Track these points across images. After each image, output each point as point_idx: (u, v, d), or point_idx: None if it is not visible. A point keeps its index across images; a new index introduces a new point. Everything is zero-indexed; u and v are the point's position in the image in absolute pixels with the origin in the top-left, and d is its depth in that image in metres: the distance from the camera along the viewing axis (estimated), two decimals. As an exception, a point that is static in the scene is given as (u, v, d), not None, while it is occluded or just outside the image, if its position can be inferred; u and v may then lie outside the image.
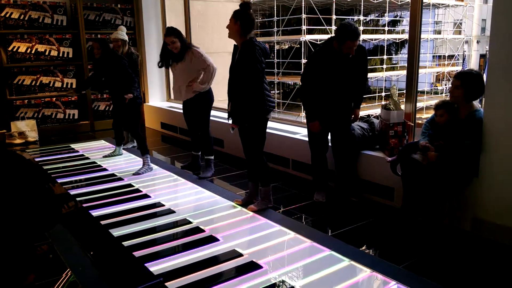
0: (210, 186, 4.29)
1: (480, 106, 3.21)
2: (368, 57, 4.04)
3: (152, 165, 4.89)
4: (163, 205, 3.79)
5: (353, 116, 3.82)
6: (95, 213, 3.63)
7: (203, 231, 3.25)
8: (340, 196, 3.91)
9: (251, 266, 2.71)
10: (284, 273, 2.62)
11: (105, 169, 4.95)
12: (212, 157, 4.63)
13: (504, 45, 2.86)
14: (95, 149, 5.96)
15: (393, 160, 3.52)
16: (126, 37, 5.62)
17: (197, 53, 4.39)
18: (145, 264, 2.75)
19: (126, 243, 3.05)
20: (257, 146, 3.52)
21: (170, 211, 3.65)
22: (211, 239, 3.10)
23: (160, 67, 4.64)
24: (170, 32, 4.36)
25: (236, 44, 3.46)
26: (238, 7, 3.37)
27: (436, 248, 3.00)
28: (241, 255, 2.86)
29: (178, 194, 4.15)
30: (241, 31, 3.32)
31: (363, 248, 3.02)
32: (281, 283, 2.52)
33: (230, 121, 3.58)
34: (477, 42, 20.40)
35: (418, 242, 3.09)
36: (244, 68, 3.30)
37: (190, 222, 3.41)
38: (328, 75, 3.60)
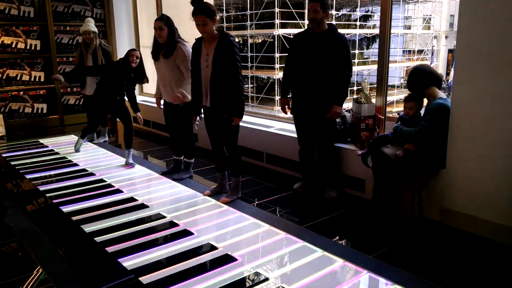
0: (184, 180, 4.27)
1: (447, 96, 3.32)
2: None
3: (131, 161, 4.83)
4: (136, 200, 3.75)
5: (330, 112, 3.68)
6: (66, 209, 3.56)
7: (177, 225, 3.24)
8: (316, 189, 3.96)
9: (226, 259, 2.72)
10: (259, 265, 2.65)
11: (75, 164, 4.86)
12: (192, 161, 4.39)
13: (470, 40, 2.96)
14: (64, 144, 5.83)
15: (364, 153, 3.59)
16: (96, 29, 5.51)
17: (181, 52, 3.97)
18: (118, 260, 2.72)
19: (98, 239, 3.01)
20: (235, 137, 3.60)
21: (143, 206, 3.62)
22: (186, 233, 3.09)
23: (153, 58, 4.17)
24: (160, 17, 4.03)
25: (199, 38, 3.49)
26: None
27: (405, 237, 3.09)
28: (216, 248, 2.86)
29: (151, 188, 4.11)
30: (215, 25, 3.39)
31: (336, 239, 3.08)
32: (255, 275, 2.55)
33: (198, 118, 3.71)
34: (446, 37, 20.91)
35: (388, 232, 3.17)
36: (228, 61, 3.36)
37: (164, 217, 3.39)
38: (299, 54, 3.74)
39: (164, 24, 3.94)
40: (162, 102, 4.35)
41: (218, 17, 3.40)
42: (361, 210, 3.57)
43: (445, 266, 2.70)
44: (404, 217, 3.38)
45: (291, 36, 16.67)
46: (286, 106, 3.99)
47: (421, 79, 3.26)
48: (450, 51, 20.85)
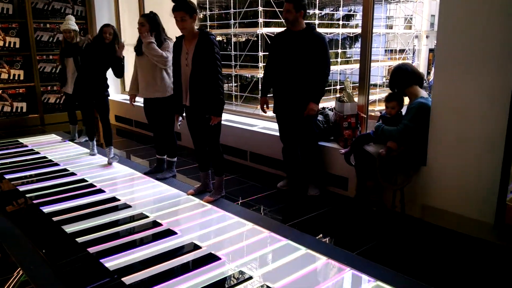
0: (167, 179, 4.24)
1: (428, 95, 3.37)
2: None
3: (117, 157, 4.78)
4: (119, 200, 3.72)
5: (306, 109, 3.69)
6: (47, 209, 3.51)
7: (160, 225, 3.22)
8: (299, 187, 3.98)
9: (210, 258, 2.72)
10: (243, 264, 2.65)
11: (56, 164, 4.78)
12: (175, 159, 4.36)
13: (450, 40, 3.01)
14: (45, 144, 5.73)
15: (347, 151, 3.62)
16: (77, 27, 5.43)
17: (165, 47, 4.00)
18: (100, 260, 2.69)
19: (80, 240, 2.97)
20: (217, 136, 3.58)
21: (126, 206, 3.59)
22: (169, 233, 3.07)
23: (136, 52, 4.14)
24: (144, 14, 4.06)
25: (180, 36, 3.47)
26: None
27: (387, 235, 3.13)
28: (199, 247, 2.86)
29: (134, 188, 4.08)
30: (193, 22, 3.36)
31: (319, 236, 3.10)
32: (239, 274, 2.55)
33: (181, 118, 3.68)
34: (427, 37, 21.22)
35: (371, 229, 3.21)
36: (207, 60, 3.32)
37: (146, 216, 3.37)
38: (278, 53, 3.77)
39: (146, 20, 3.94)
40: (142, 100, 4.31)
41: (198, 15, 3.37)
42: (344, 208, 3.60)
43: (426, 263, 2.75)
44: (386, 214, 3.42)
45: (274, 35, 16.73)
46: (265, 106, 4.03)
47: (403, 78, 3.30)
48: (431, 50, 21.17)
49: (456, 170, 3.08)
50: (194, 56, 3.35)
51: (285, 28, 3.79)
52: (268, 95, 4.00)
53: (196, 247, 2.86)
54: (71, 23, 5.33)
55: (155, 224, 3.23)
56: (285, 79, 3.72)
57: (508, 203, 2.74)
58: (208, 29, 3.50)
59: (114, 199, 3.75)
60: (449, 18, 3.00)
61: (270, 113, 4.16)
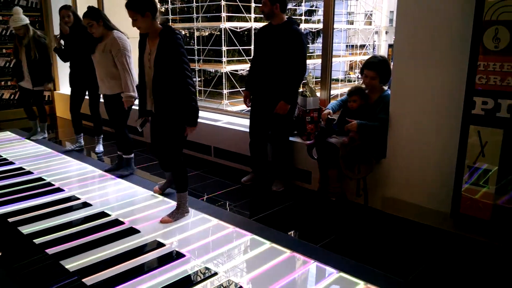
0: (128, 176, 4.15)
1: (388, 88, 3.46)
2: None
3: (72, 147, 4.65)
4: (79, 199, 3.61)
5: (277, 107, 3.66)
6: (2, 210, 3.35)
7: (122, 223, 3.15)
8: (264, 182, 4.00)
9: (174, 256, 2.68)
10: (208, 260, 2.64)
11: (12, 163, 4.58)
12: (132, 156, 4.23)
13: (408, 36, 3.09)
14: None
15: (310, 144, 3.65)
16: (27, 20, 5.16)
17: (116, 45, 3.84)
18: (60, 262, 2.60)
19: (37, 241, 2.86)
20: (178, 147, 3.19)
21: (86, 205, 3.48)
22: (131, 231, 3.01)
23: (88, 51, 4.07)
24: (85, 13, 3.90)
25: (144, 33, 3.13)
26: None
27: (349, 226, 3.20)
28: (163, 245, 2.82)
29: (94, 186, 3.96)
30: (152, 20, 3.00)
31: (283, 230, 3.13)
32: (204, 270, 2.53)
33: (140, 121, 3.30)
34: (386, 32, 21.78)
35: (334, 221, 3.27)
36: (171, 63, 2.96)
37: (108, 215, 3.28)
38: (259, 47, 3.80)
39: (90, 19, 3.86)
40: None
41: (154, 13, 2.97)
42: (308, 201, 3.65)
43: (387, 252, 2.83)
44: (348, 206, 3.49)
45: (238, 30, 16.69)
46: (248, 99, 4.00)
47: (389, 71, 3.36)
48: (390, 46, 21.74)
49: (414, 162, 3.18)
50: (156, 58, 2.99)
51: (268, 22, 3.77)
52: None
53: (159, 245, 2.82)
54: (19, 17, 5.06)
55: (117, 222, 3.16)
56: (262, 74, 3.73)
57: (463, 193, 2.86)
58: (170, 24, 3.28)
59: (73, 198, 3.63)
60: (406, 14, 3.08)
61: (238, 108, 4.13)
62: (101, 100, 4.26)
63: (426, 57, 3.00)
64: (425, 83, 3.04)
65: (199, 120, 4.51)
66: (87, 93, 4.88)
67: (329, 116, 3.41)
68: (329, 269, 2.55)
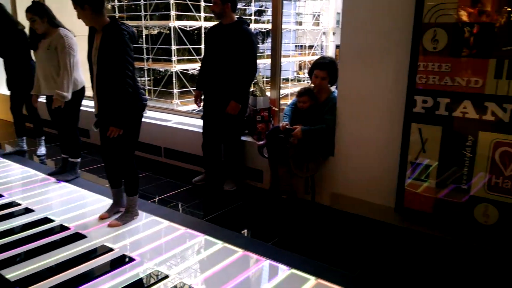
0: (74, 180, 3.99)
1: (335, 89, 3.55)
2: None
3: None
4: (19, 204, 3.42)
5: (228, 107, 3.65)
6: None
7: (67, 228, 3.02)
8: (216, 182, 3.98)
9: (123, 260, 2.61)
10: (159, 263, 2.59)
11: None
12: (79, 160, 4.06)
13: (353, 37, 3.19)
14: None
15: (262, 144, 3.67)
16: None
17: (62, 42, 3.65)
18: (0, 272, 2.45)
19: (-26, 251, 2.69)
20: (129, 150, 3.05)
21: (28, 210, 3.31)
22: (78, 237, 2.90)
23: (31, 47, 3.87)
24: (28, 8, 3.69)
25: (93, 27, 2.96)
26: None
27: (300, 223, 3.26)
28: (111, 249, 2.73)
29: (37, 191, 3.77)
30: (95, 13, 2.84)
31: (236, 230, 3.13)
32: (155, 273, 2.48)
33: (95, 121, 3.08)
34: (333, 33, 22.35)
35: (285, 219, 3.32)
36: (113, 58, 2.79)
37: (52, 221, 3.14)
38: (209, 46, 3.77)
39: (32, 14, 3.67)
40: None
41: (95, 7, 2.82)
42: (259, 200, 3.67)
43: (336, 247, 2.91)
44: (299, 203, 3.56)
45: (188, 29, 16.50)
46: (199, 99, 3.95)
47: (337, 72, 3.41)
48: (337, 46, 22.33)
49: (360, 159, 3.29)
50: (98, 53, 2.85)
51: (219, 21, 3.74)
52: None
53: (108, 249, 2.73)
54: None
55: (62, 228, 3.03)
56: (213, 74, 3.70)
57: (407, 188, 3.00)
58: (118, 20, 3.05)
59: (14, 203, 3.44)
60: (351, 16, 3.18)
61: (189, 108, 4.09)
62: (42, 100, 4.05)
63: (371, 58, 3.11)
64: (370, 83, 3.14)
65: (148, 120, 4.41)
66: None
67: (287, 127, 3.42)
68: (281, 266, 2.58)
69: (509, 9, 2.47)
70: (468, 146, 2.71)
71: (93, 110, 3.14)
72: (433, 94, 2.78)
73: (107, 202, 3.48)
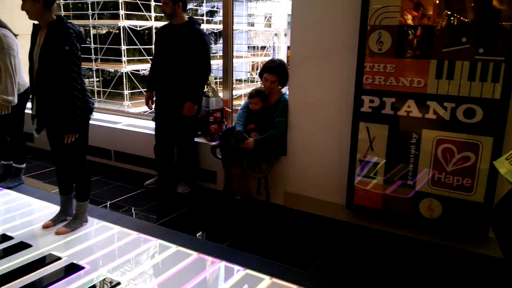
0: (17, 186, 3.79)
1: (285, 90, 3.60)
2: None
3: None
4: (-44, 214, 3.21)
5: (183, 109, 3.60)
6: None
7: (11, 238, 2.86)
8: (169, 185, 3.92)
9: (72, 268, 2.51)
10: (110, 270, 2.51)
11: None
12: (23, 166, 3.85)
13: (302, 39, 3.24)
14: None
15: (216, 145, 3.65)
16: None
17: (0, 39, 3.43)
18: None
19: None
20: (81, 153, 2.93)
21: (-34, 221, 3.11)
22: (22, 246, 2.75)
23: None
24: None
25: (37, 24, 2.81)
26: None
27: (254, 223, 3.27)
28: (59, 258, 2.62)
29: (-24, 199, 3.55)
30: (45, 8, 2.69)
31: (190, 232, 3.09)
32: (107, 281, 2.41)
33: (35, 126, 2.89)
34: (285, 35, 22.64)
35: (239, 220, 3.32)
36: (56, 58, 2.65)
37: (-7, 230, 2.97)
38: (159, 47, 3.72)
39: None
40: None
41: (46, 1, 2.68)
42: (213, 201, 3.65)
43: (290, 246, 2.94)
44: (253, 204, 3.57)
45: (138, 28, 16.14)
46: (150, 101, 3.87)
47: (287, 75, 3.44)
48: (289, 47, 22.62)
49: (312, 158, 3.35)
50: (41, 51, 2.70)
51: (169, 21, 3.68)
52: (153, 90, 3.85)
53: (55, 258, 2.62)
54: None
55: (4, 238, 2.86)
56: (165, 75, 3.63)
57: (356, 186, 3.09)
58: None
59: (-51, 214, 3.22)
60: (300, 18, 3.23)
61: (140, 109, 4.00)
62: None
63: (320, 60, 3.17)
64: (319, 84, 3.21)
65: (97, 123, 4.27)
66: None
67: (241, 135, 3.40)
68: (236, 267, 2.58)
69: (449, 12, 2.60)
70: (412, 143, 2.83)
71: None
72: (379, 94, 2.88)
73: (53, 209, 3.33)
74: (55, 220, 3.08)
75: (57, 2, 18.21)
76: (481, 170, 2.67)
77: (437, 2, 2.63)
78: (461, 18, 2.58)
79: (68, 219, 3.08)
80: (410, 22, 2.72)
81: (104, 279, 2.42)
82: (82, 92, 2.76)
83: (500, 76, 2.52)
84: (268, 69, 3.48)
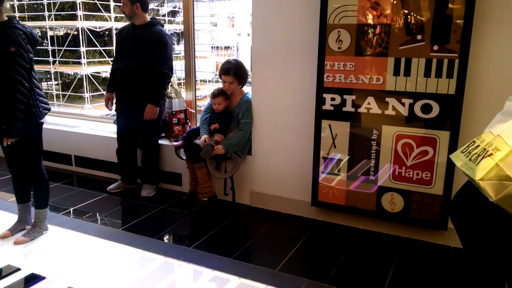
0: (-28, 196, 3.62)
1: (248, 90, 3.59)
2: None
3: None
4: None
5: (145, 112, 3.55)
6: None
7: (-35, 251, 2.73)
8: (133, 189, 3.84)
9: (32, 279, 2.41)
10: (72, 279, 2.43)
11: None
12: None
13: (263, 38, 3.25)
14: None
15: (179, 146, 3.60)
16: None
17: None
18: None
19: None
20: (35, 159, 2.82)
21: None
22: (-23, 258, 2.63)
23: None
24: None
25: None
26: None
27: (222, 224, 3.25)
28: (18, 269, 2.51)
29: None
30: None
31: (156, 236, 3.05)
32: (69, 290, 2.33)
33: None
34: (248, 34, 22.69)
35: (206, 221, 3.30)
36: (2, 59, 2.55)
37: None
38: (120, 47, 3.68)
39: None
40: None
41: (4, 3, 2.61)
42: (179, 203, 3.61)
43: (257, 245, 2.95)
44: (219, 205, 3.55)
45: (98, 29, 15.75)
46: (110, 102, 3.80)
47: (246, 74, 3.44)
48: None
49: (277, 157, 3.37)
50: None
51: (131, 22, 3.62)
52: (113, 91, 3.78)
53: (14, 269, 2.51)
54: None
55: (-42, 251, 2.73)
56: (125, 76, 3.56)
57: (321, 183, 3.13)
58: (17, 20, 2.73)
59: None
60: (261, 18, 3.24)
61: (102, 112, 3.91)
62: None
63: (282, 59, 3.20)
64: (282, 83, 3.23)
65: (56, 127, 4.13)
66: None
67: (205, 141, 3.35)
68: (204, 269, 2.55)
69: (405, 11, 2.68)
70: (373, 139, 2.90)
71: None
72: (340, 92, 2.93)
73: (11, 217, 3.19)
74: (13, 230, 2.95)
75: (10, 2, 17.53)
76: (439, 164, 2.76)
77: (394, 1, 2.70)
78: (417, 16, 2.66)
79: (27, 228, 2.96)
80: (368, 21, 2.78)
81: (67, 288, 2.35)
82: (28, 96, 2.63)
83: (454, 72, 2.62)
84: (223, 70, 3.43)
